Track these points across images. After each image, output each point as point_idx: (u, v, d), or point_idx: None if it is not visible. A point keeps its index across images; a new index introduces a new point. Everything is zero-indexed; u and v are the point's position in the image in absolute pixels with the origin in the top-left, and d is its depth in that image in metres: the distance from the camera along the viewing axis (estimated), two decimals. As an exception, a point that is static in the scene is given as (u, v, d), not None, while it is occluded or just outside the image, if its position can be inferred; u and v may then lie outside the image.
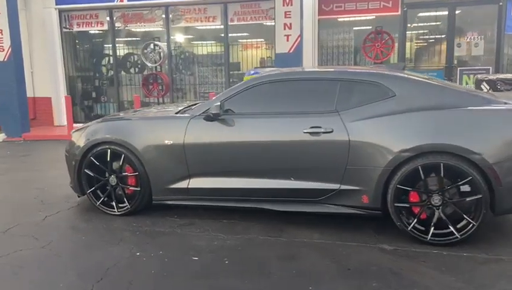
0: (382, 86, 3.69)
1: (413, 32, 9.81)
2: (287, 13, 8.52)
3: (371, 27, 9.48)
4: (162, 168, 4.08)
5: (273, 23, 9.02)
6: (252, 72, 8.03)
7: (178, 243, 3.62)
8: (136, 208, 4.23)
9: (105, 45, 11.46)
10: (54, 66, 11.07)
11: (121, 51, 11.31)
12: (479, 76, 6.53)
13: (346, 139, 3.60)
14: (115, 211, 4.27)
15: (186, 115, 4.16)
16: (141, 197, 4.18)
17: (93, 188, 4.32)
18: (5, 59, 9.62)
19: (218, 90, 10.49)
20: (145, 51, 10.36)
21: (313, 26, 9.64)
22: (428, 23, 9.92)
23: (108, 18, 10.90)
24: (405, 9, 9.41)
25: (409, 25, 9.59)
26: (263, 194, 3.90)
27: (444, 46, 9.49)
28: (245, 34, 10.69)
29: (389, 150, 3.47)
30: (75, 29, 11.23)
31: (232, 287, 2.92)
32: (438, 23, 9.74)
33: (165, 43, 10.59)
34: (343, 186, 3.67)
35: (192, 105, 4.72)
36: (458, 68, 9.24)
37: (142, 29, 11.01)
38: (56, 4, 10.80)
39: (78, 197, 4.70)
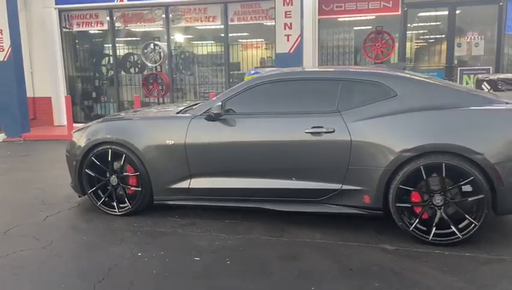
0: (384, 85, 3.68)
1: (413, 32, 9.80)
2: (288, 13, 8.51)
3: (370, 27, 9.47)
4: (163, 168, 4.07)
5: (274, 23, 9.01)
6: (253, 72, 8.02)
7: (179, 243, 3.62)
8: (137, 208, 4.22)
9: (105, 45, 11.44)
10: (53, 66, 11.05)
11: (121, 50, 11.30)
12: (480, 76, 6.53)
13: (348, 139, 3.60)
14: (115, 211, 4.27)
15: (188, 115, 4.15)
16: (142, 197, 4.18)
17: (94, 188, 4.31)
18: (5, 59, 9.60)
19: (218, 90, 10.48)
20: (145, 50, 10.35)
21: (313, 26, 9.64)
22: (428, 23, 9.92)
23: (108, 18, 10.89)
24: (405, 9, 9.40)
25: (409, 24, 9.58)
26: (265, 194, 3.89)
27: (444, 46, 9.48)
28: (245, 34, 10.68)
29: (391, 150, 3.46)
30: (75, 29, 11.22)
31: (233, 287, 2.91)
32: (438, 23, 9.74)
33: (165, 43, 10.58)
34: (345, 187, 3.66)
35: (193, 105, 4.72)
36: (458, 68, 9.24)
37: (142, 29, 11.00)
38: (56, 4, 10.79)
39: (79, 197, 4.69)
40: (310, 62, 9.53)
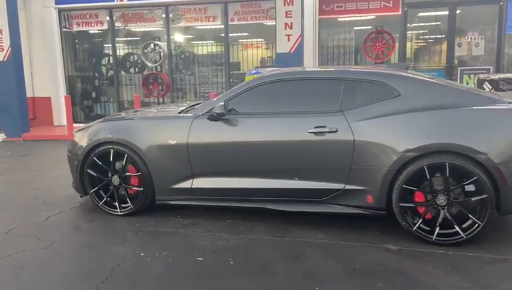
0: (387, 85, 3.68)
1: (413, 32, 9.81)
2: (288, 13, 8.50)
3: (370, 27, 9.47)
4: (165, 168, 4.06)
5: (274, 23, 9.00)
6: (253, 72, 8.01)
7: (182, 244, 3.61)
8: (139, 208, 4.21)
9: (105, 45, 11.43)
10: (53, 66, 11.03)
11: (121, 50, 11.28)
12: (481, 76, 6.52)
13: (351, 139, 3.59)
14: (117, 211, 4.25)
15: (190, 114, 4.14)
16: (144, 197, 4.16)
17: (96, 188, 4.30)
18: (5, 59, 9.58)
19: (219, 90, 10.47)
20: (146, 50, 10.34)
21: (313, 26, 9.64)
22: (428, 23, 9.92)
23: (108, 18, 10.87)
24: (405, 9, 9.40)
25: (409, 24, 9.59)
26: (267, 194, 3.88)
27: (444, 46, 9.49)
28: (245, 33, 10.67)
29: (394, 150, 3.45)
30: (75, 28, 11.20)
31: (237, 287, 2.90)
32: (438, 23, 9.74)
33: (165, 43, 10.57)
34: (348, 186, 3.65)
35: (195, 105, 4.70)
36: (459, 68, 9.24)
37: (142, 29, 10.99)
38: (56, 4, 10.77)
39: (81, 197, 4.67)
40: (310, 62, 9.53)
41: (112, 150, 4.19)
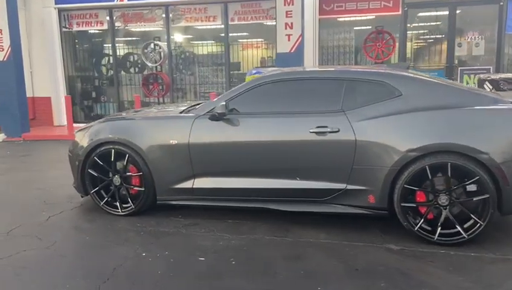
0: (388, 85, 3.68)
1: (413, 32, 9.81)
2: (288, 13, 8.50)
3: (370, 27, 9.48)
4: (166, 168, 4.05)
5: (274, 23, 9.01)
6: (254, 71, 8.01)
7: (183, 244, 3.60)
8: (140, 208, 4.20)
9: (105, 45, 11.42)
10: (53, 66, 11.03)
11: (121, 50, 11.28)
12: (482, 76, 6.53)
13: (352, 139, 3.59)
14: (118, 211, 4.25)
15: (191, 114, 4.14)
16: (145, 197, 4.16)
17: (97, 188, 4.29)
18: (5, 59, 9.58)
19: (219, 90, 10.47)
20: (146, 50, 10.33)
21: (313, 26, 9.64)
22: (428, 23, 9.93)
23: (108, 17, 10.86)
24: (406, 9, 9.41)
25: (409, 24, 9.59)
26: (269, 194, 3.88)
27: (444, 46, 9.50)
28: (245, 33, 10.67)
29: (396, 150, 3.45)
30: (75, 28, 11.19)
31: (239, 287, 2.90)
32: (438, 22, 9.75)
33: (165, 43, 10.56)
34: (350, 186, 3.65)
35: (196, 105, 4.70)
36: (459, 68, 9.25)
37: (142, 29, 10.98)
38: (55, 3, 10.77)
39: (82, 197, 4.67)
40: (310, 62, 9.53)
41: (113, 150, 4.18)
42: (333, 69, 4.14)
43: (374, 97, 3.67)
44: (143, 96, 10.69)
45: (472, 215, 3.36)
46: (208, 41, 10.89)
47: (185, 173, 4.02)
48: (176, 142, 4.00)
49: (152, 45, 10.31)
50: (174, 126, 4.12)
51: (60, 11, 10.99)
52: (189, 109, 4.48)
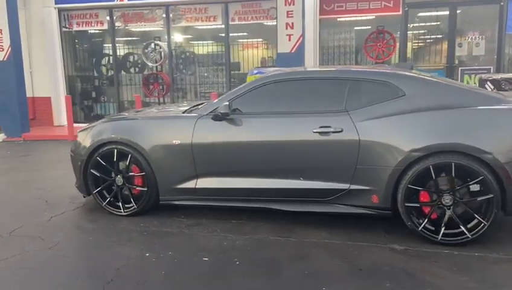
0: (392, 85, 3.67)
1: (414, 32, 9.81)
2: (289, 13, 8.49)
3: (371, 27, 9.48)
4: (169, 168, 4.05)
5: (274, 23, 9.00)
6: (255, 71, 7.99)
7: (187, 244, 3.60)
8: (143, 209, 4.20)
9: (105, 45, 11.40)
10: (53, 66, 11.00)
11: (121, 50, 11.26)
12: (483, 76, 6.53)
13: (356, 139, 3.58)
14: (121, 212, 4.24)
15: (194, 114, 4.13)
16: (148, 197, 4.15)
17: (100, 188, 4.28)
18: (5, 59, 9.55)
19: (219, 90, 10.46)
20: (146, 50, 10.32)
21: (314, 26, 9.63)
22: (429, 23, 9.93)
23: (108, 17, 10.84)
24: (406, 9, 9.40)
25: (410, 24, 9.59)
26: (272, 194, 3.88)
27: (445, 46, 9.49)
28: (246, 33, 10.66)
29: (400, 150, 3.45)
30: (75, 28, 11.16)
31: (243, 287, 2.89)
32: (438, 23, 9.75)
33: (166, 43, 10.54)
34: (353, 186, 3.65)
35: (198, 104, 4.70)
36: (459, 68, 9.25)
37: (143, 29, 10.96)
38: (56, 3, 10.73)
39: (84, 197, 4.66)
40: (311, 62, 9.53)
41: (115, 150, 4.18)
42: (336, 69, 4.14)
43: (378, 97, 3.67)
44: (143, 96, 10.68)
45: (476, 215, 3.36)
46: (208, 41, 10.88)
47: (188, 173, 4.01)
48: (179, 142, 4.00)
49: (152, 45, 10.30)
50: (177, 126, 4.11)
51: (60, 11, 10.96)
52: (192, 108, 4.47)
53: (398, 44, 9.44)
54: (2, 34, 9.48)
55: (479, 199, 3.33)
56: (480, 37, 9.29)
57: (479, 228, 3.35)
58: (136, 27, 10.94)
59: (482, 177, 3.28)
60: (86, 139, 4.34)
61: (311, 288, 2.87)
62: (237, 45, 10.64)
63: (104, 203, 4.29)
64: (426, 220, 3.44)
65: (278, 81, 3.97)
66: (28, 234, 3.87)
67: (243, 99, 3.97)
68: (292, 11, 8.48)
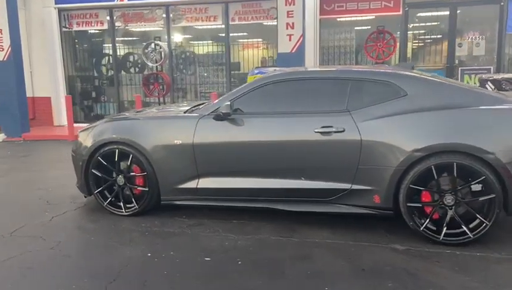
0: (394, 85, 3.67)
1: (414, 32, 9.81)
2: (290, 13, 8.49)
3: (371, 27, 9.48)
4: (170, 168, 4.04)
5: (275, 23, 9.00)
6: (256, 71, 7.99)
7: (189, 244, 3.59)
8: (144, 209, 4.19)
9: (105, 45, 11.39)
10: (53, 66, 10.99)
11: (121, 50, 11.25)
12: (484, 76, 6.54)
13: (357, 139, 3.58)
14: (122, 212, 4.24)
15: (195, 114, 4.13)
16: (149, 197, 4.15)
17: (101, 188, 4.28)
18: (5, 59, 9.54)
19: (219, 90, 10.46)
20: (146, 50, 10.31)
21: (314, 26, 9.63)
22: (429, 23, 9.93)
23: (108, 17, 10.83)
24: (406, 9, 9.41)
25: (410, 24, 9.59)
26: (274, 194, 3.88)
27: (445, 46, 9.50)
28: (246, 33, 10.66)
29: (401, 150, 3.45)
30: (75, 28, 11.15)
31: (245, 288, 2.89)
32: (439, 23, 9.75)
33: (166, 43, 10.54)
34: (355, 186, 3.65)
35: (199, 104, 4.70)
36: (459, 68, 9.25)
37: (143, 29, 10.96)
38: (56, 3, 10.72)
39: (85, 197, 4.65)
40: (311, 62, 9.53)
41: (116, 150, 4.17)
42: (338, 69, 4.14)
43: (379, 97, 3.67)
44: (143, 96, 10.66)
45: (478, 215, 3.36)
46: (209, 41, 10.88)
47: (190, 173, 4.01)
48: (180, 142, 4.00)
49: (153, 45, 10.29)
50: (178, 126, 4.11)
51: (60, 11, 10.95)
52: (193, 108, 4.47)
53: (398, 44, 9.44)
54: (2, 34, 9.47)
55: (481, 199, 3.33)
56: (480, 37, 9.30)
57: (481, 228, 3.35)
58: (136, 27, 10.94)
59: (483, 177, 3.28)
60: (87, 139, 4.34)
61: (313, 288, 2.87)
62: (237, 45, 10.64)
63: (106, 203, 4.28)
64: (428, 220, 3.44)
65: (280, 81, 3.97)
66: (29, 234, 3.86)
67: (244, 99, 3.97)
68: (292, 11, 8.48)
